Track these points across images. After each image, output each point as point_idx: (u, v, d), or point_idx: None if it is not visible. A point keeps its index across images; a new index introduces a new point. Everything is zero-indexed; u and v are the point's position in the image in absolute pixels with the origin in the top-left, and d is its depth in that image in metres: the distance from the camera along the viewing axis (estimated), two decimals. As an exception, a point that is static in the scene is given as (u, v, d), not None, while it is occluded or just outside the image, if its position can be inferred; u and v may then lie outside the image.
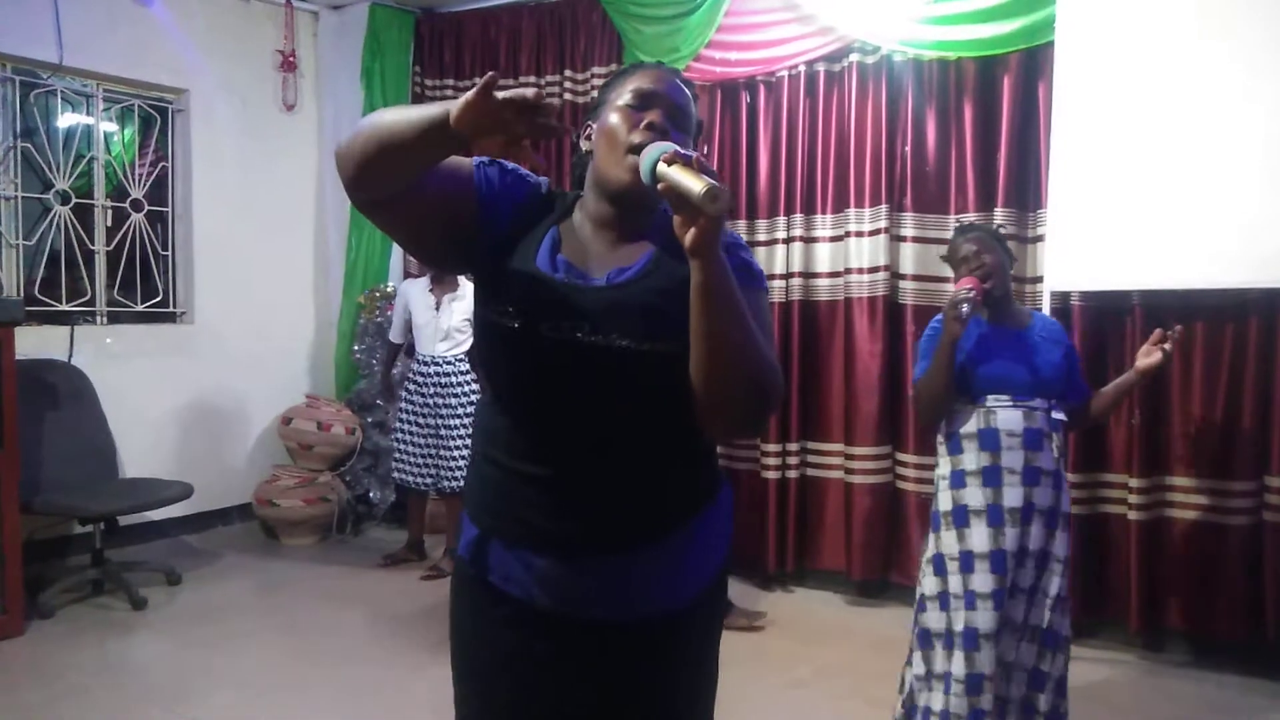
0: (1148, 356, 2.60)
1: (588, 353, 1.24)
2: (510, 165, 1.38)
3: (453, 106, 1.12)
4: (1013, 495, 2.52)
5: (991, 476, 2.54)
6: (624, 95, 1.33)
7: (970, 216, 4.03)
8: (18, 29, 4.49)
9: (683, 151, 1.13)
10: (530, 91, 1.10)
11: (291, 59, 5.64)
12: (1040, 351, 2.60)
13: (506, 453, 1.33)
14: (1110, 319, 3.79)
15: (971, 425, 2.58)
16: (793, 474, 4.49)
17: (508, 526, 1.33)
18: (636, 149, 1.25)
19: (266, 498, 5.12)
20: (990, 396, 2.56)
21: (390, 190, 1.24)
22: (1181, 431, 3.69)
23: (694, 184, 1.09)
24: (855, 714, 3.18)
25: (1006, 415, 2.54)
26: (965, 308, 2.46)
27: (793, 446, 4.49)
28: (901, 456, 4.29)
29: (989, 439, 2.55)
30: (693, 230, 1.10)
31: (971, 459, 2.57)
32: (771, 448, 4.49)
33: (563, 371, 1.26)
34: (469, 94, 1.10)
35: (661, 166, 1.13)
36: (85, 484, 4.29)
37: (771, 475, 4.50)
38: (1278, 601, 3.47)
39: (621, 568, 1.31)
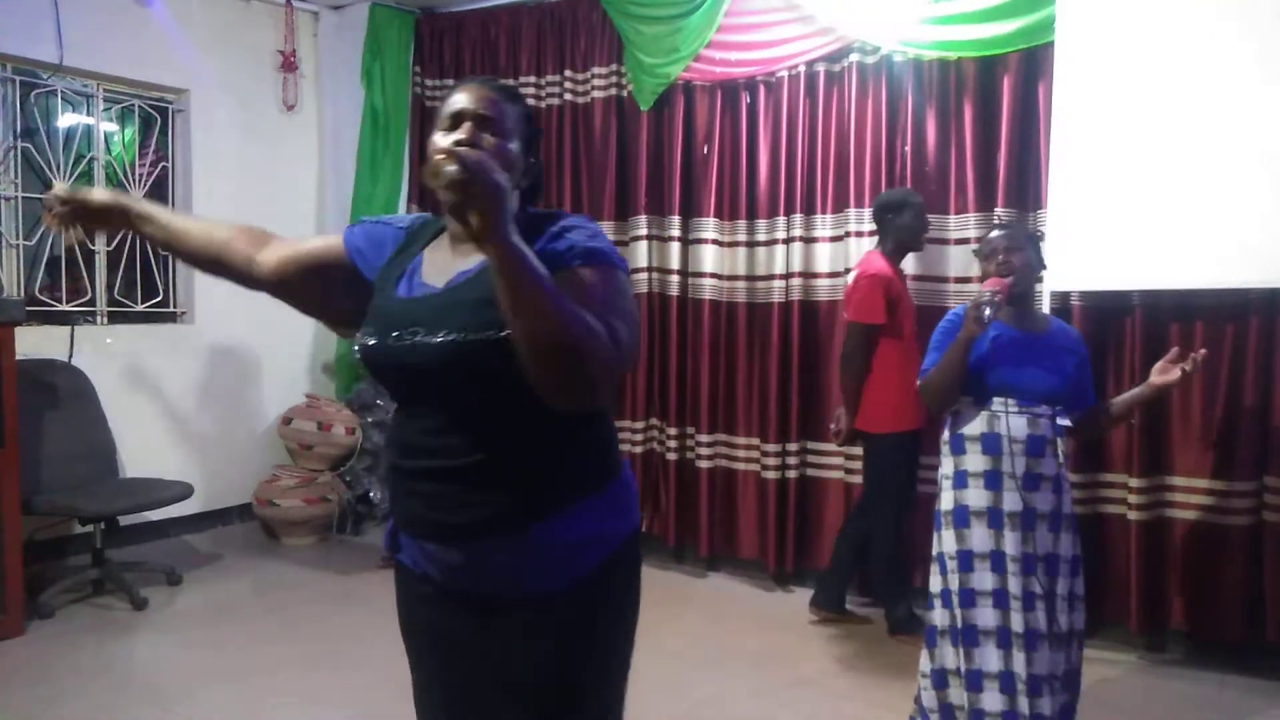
0: (1165, 373, 2.54)
1: (426, 352, 1.35)
2: (373, 220, 1.62)
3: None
4: (1012, 500, 2.53)
5: (992, 480, 2.55)
6: (443, 121, 1.45)
7: (970, 217, 4.04)
8: (18, 29, 4.50)
9: (444, 148, 1.22)
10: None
11: (292, 59, 5.64)
12: (1053, 359, 2.60)
13: (397, 453, 1.47)
14: (1110, 319, 3.79)
15: (975, 428, 2.58)
16: (792, 474, 4.49)
17: (405, 518, 1.48)
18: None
19: (267, 498, 5.12)
20: (997, 400, 2.56)
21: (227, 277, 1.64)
22: (1181, 432, 3.69)
23: (436, 176, 1.16)
24: (856, 713, 3.18)
25: (1011, 421, 2.54)
26: (988, 311, 2.45)
27: (792, 446, 4.49)
28: (901, 457, 4.28)
29: (991, 443, 2.56)
30: (473, 220, 1.17)
31: (974, 461, 2.58)
32: (771, 448, 4.50)
33: (414, 374, 1.40)
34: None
35: (425, 169, 1.19)
36: (85, 484, 4.30)
37: (771, 475, 4.51)
38: (1277, 602, 3.47)
39: (501, 551, 1.40)
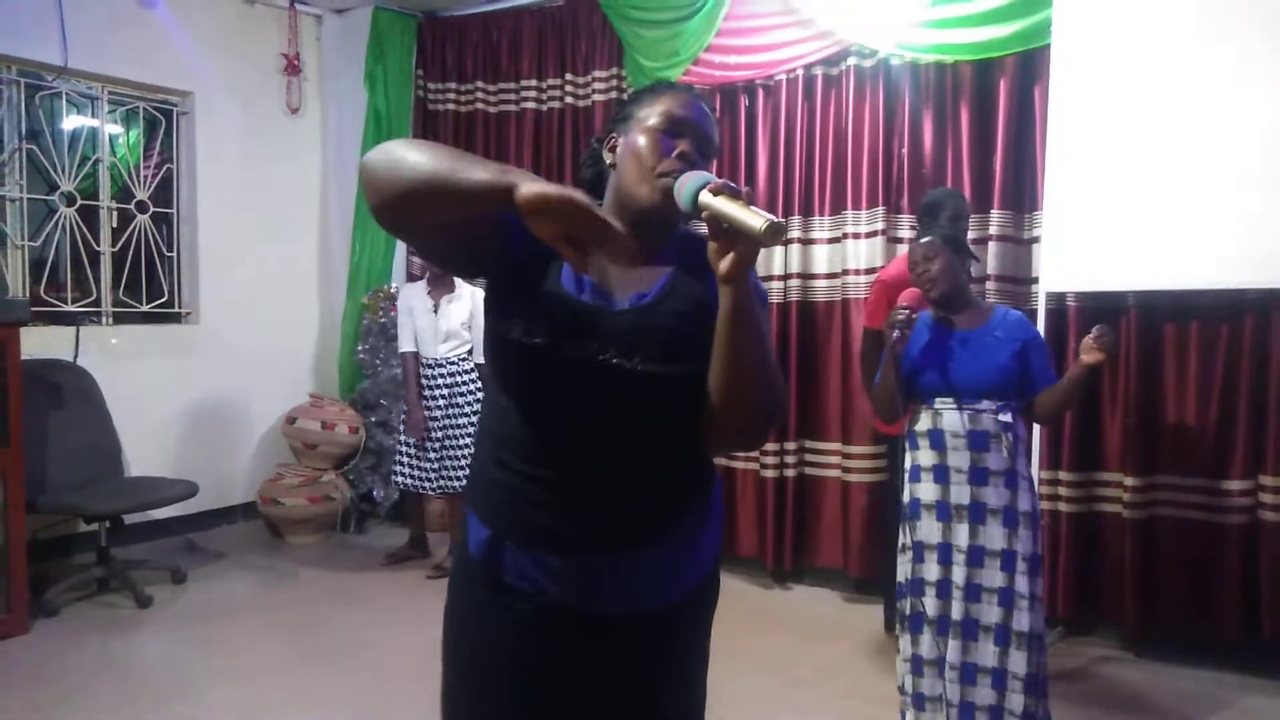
0: (1089, 352, 2.57)
1: (609, 374, 1.27)
2: None
3: (521, 183, 1.10)
4: (960, 493, 2.58)
5: (940, 474, 2.62)
6: (654, 117, 1.35)
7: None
8: (23, 32, 4.54)
9: (731, 185, 1.17)
10: (610, 229, 1.11)
11: (295, 62, 5.68)
12: (988, 353, 2.60)
13: (517, 456, 1.34)
14: (1106, 320, 3.78)
15: (924, 424, 2.66)
16: (790, 473, 4.53)
17: (520, 528, 1.35)
18: (666, 174, 1.29)
19: (271, 496, 5.16)
20: (938, 399, 2.63)
21: (425, 223, 1.25)
22: (1176, 431, 3.71)
23: (752, 219, 1.12)
24: (855, 711, 3.20)
25: (951, 417, 2.60)
26: (895, 333, 2.59)
27: (790, 446, 4.52)
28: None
29: (936, 439, 2.63)
30: (730, 257, 1.15)
31: (925, 456, 2.65)
32: (770, 447, 4.52)
33: (582, 390, 1.29)
34: (549, 189, 1.09)
35: (706, 196, 1.16)
36: (90, 483, 4.33)
37: (770, 474, 4.54)
38: (1272, 599, 3.50)
39: (628, 564, 1.35)
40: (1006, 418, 2.57)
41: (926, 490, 2.64)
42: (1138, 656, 3.73)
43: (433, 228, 1.27)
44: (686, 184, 1.20)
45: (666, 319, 1.29)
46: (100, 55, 4.82)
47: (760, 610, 4.28)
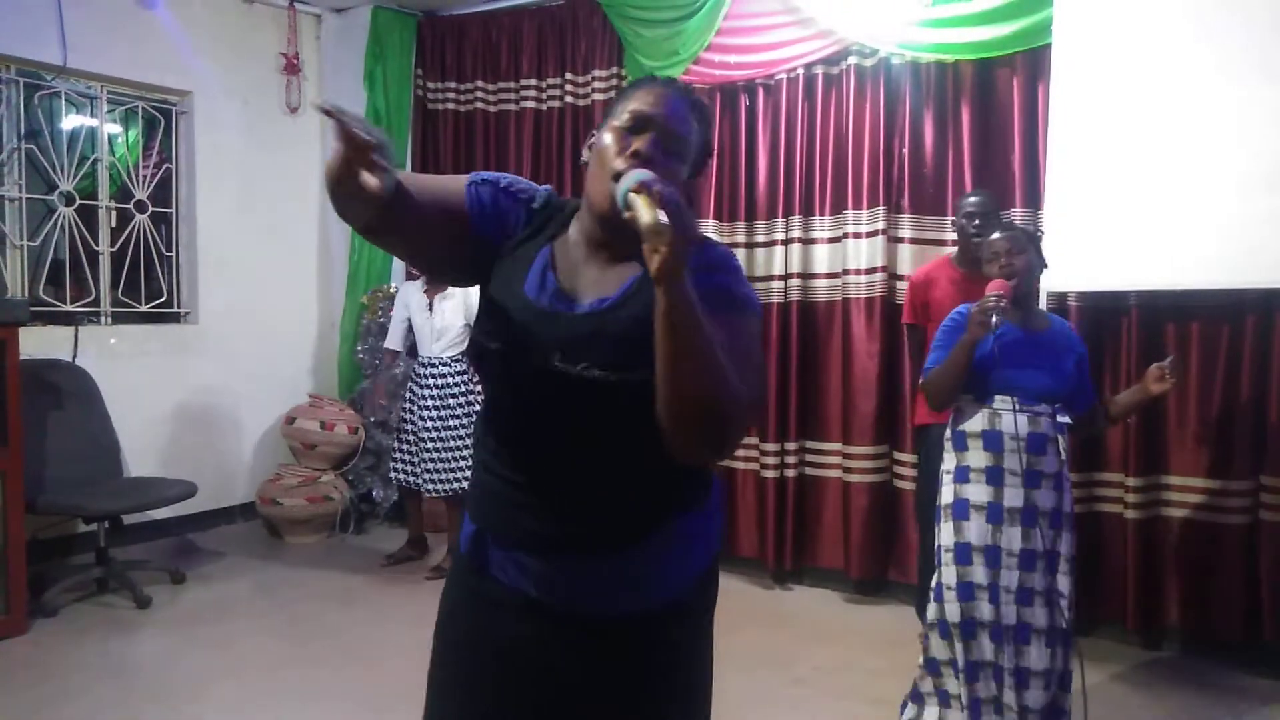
0: (1161, 381, 2.70)
1: (562, 380, 1.26)
2: (505, 182, 1.41)
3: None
4: (1013, 496, 2.57)
5: (994, 476, 2.60)
6: (622, 115, 1.32)
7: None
8: (22, 31, 4.53)
9: (649, 181, 1.14)
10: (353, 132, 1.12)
11: (294, 61, 5.68)
12: (1054, 358, 2.65)
13: (496, 459, 1.38)
14: (1107, 319, 3.82)
15: (977, 425, 2.63)
16: (791, 473, 4.52)
17: (501, 529, 1.38)
18: (618, 175, 1.24)
19: (270, 497, 5.15)
20: (998, 398, 2.60)
21: (363, 219, 1.26)
22: (1178, 431, 3.71)
23: (645, 216, 1.11)
24: (854, 712, 3.20)
25: (1012, 419, 2.58)
26: (995, 318, 2.52)
27: (791, 446, 4.52)
28: (899, 456, 4.31)
29: (993, 440, 2.60)
30: (657, 257, 1.10)
31: (976, 457, 2.62)
32: (770, 447, 4.52)
33: (540, 395, 1.30)
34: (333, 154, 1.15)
35: (631, 195, 1.14)
36: (89, 483, 4.32)
37: (770, 474, 4.53)
38: (1274, 600, 3.49)
39: (605, 567, 1.34)
40: (1064, 419, 2.61)
41: (976, 491, 2.60)
42: (1139, 657, 3.72)
43: (401, 233, 1.33)
44: (623, 183, 1.18)
45: (624, 323, 1.26)
46: (99, 55, 4.81)
47: (760, 610, 4.27)
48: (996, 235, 2.75)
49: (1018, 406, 2.58)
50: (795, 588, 4.54)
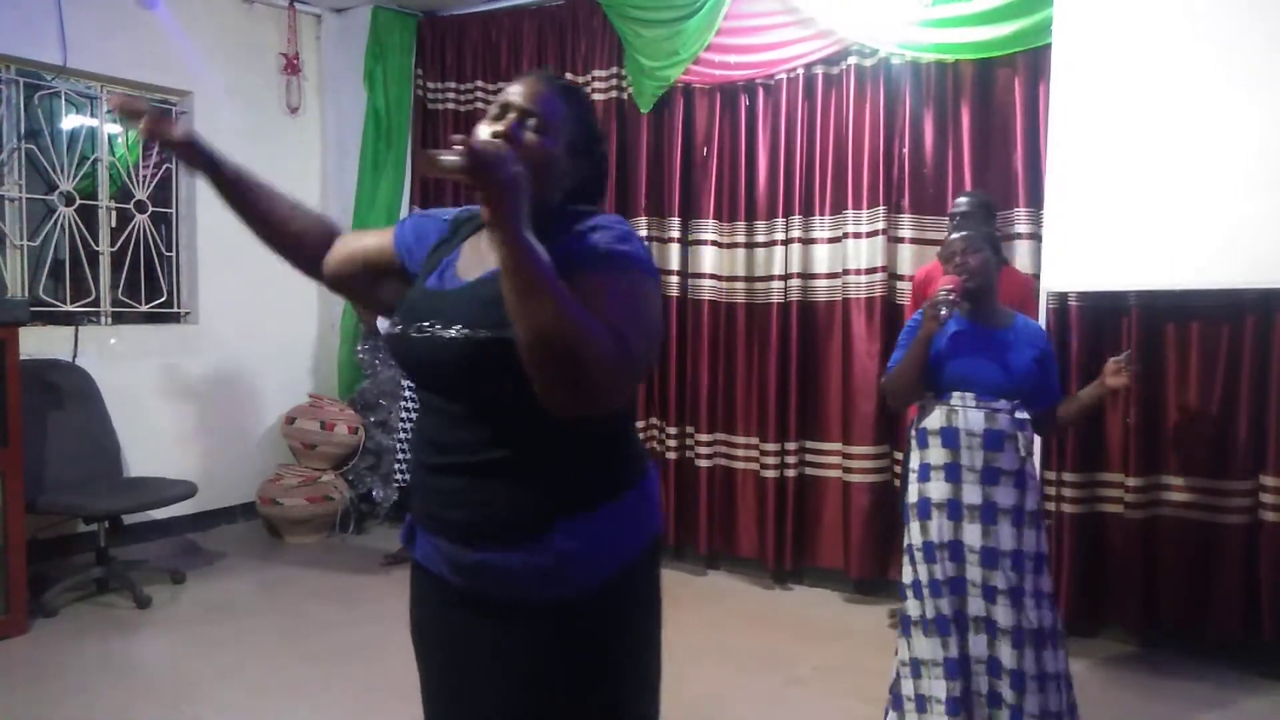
0: (1117, 375, 2.71)
1: (438, 345, 1.34)
2: (424, 213, 1.62)
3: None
4: (972, 493, 2.57)
5: (952, 473, 2.60)
6: (493, 109, 1.42)
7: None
8: (22, 31, 4.53)
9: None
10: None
11: (295, 62, 5.68)
12: (1012, 353, 2.64)
13: (417, 445, 1.47)
14: (1107, 319, 3.82)
15: (935, 421, 2.64)
16: (791, 473, 4.52)
17: (422, 515, 1.46)
18: None
19: (270, 497, 5.15)
20: (955, 394, 2.62)
21: (294, 259, 1.68)
22: (1177, 431, 3.71)
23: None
24: (854, 711, 3.20)
25: (969, 415, 2.59)
26: (944, 310, 2.56)
27: (791, 446, 4.52)
28: (899, 455, 4.30)
29: (950, 437, 2.61)
30: (482, 205, 1.17)
31: (935, 454, 2.64)
32: (770, 447, 4.53)
33: (428, 366, 1.39)
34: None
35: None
36: (90, 483, 4.32)
37: (770, 474, 4.53)
38: (1274, 600, 3.49)
39: (515, 557, 1.36)
40: (1023, 415, 2.60)
41: (937, 489, 2.62)
42: (1139, 656, 3.73)
43: (351, 282, 1.63)
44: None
45: (496, 289, 1.26)
46: (99, 55, 4.81)
47: (760, 610, 4.27)
48: (954, 235, 2.81)
49: (974, 403, 2.59)
50: (795, 587, 4.55)
